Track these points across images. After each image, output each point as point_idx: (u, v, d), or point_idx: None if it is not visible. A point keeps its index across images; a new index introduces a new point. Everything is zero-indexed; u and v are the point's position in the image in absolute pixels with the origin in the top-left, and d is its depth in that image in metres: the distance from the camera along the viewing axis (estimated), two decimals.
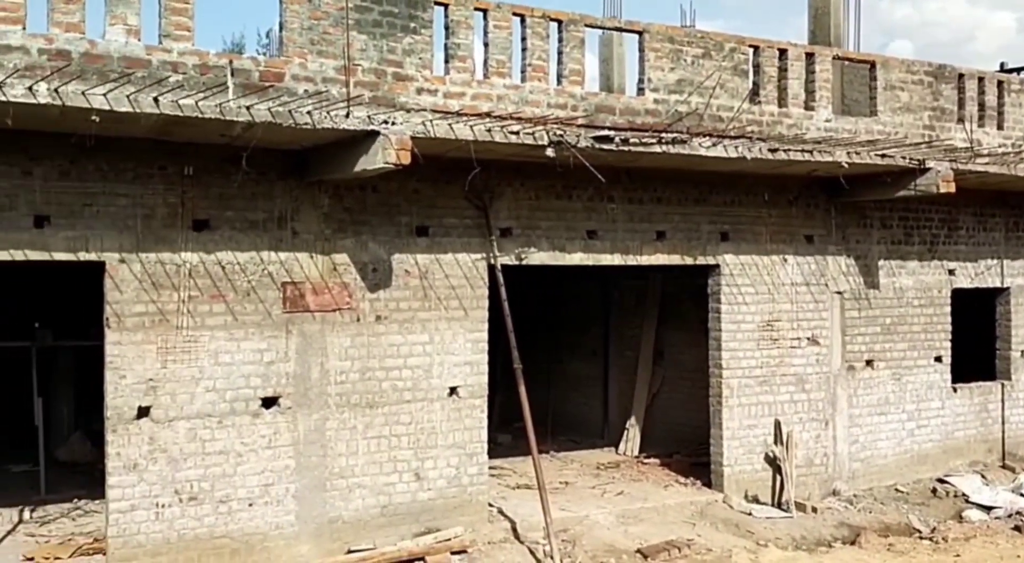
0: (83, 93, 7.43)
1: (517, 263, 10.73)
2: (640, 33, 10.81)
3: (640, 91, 10.94)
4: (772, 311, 12.19)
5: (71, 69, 7.46)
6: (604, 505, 11.40)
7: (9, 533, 9.55)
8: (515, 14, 9.96)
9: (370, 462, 9.72)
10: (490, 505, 10.64)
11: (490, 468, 10.67)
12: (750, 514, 11.43)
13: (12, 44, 7.35)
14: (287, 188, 9.50)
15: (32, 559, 8.75)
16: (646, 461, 13.90)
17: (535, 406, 10.44)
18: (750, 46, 11.58)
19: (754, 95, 11.68)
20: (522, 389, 10.29)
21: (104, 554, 8.60)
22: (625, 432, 14.69)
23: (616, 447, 14.73)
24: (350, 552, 9.38)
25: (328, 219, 9.70)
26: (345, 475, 9.58)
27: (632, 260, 11.44)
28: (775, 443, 12.08)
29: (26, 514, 10.15)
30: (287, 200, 9.49)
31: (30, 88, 7.25)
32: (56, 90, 7.33)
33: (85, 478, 11.65)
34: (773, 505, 11.90)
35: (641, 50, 10.86)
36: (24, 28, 7.44)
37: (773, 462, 12.07)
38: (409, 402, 9.97)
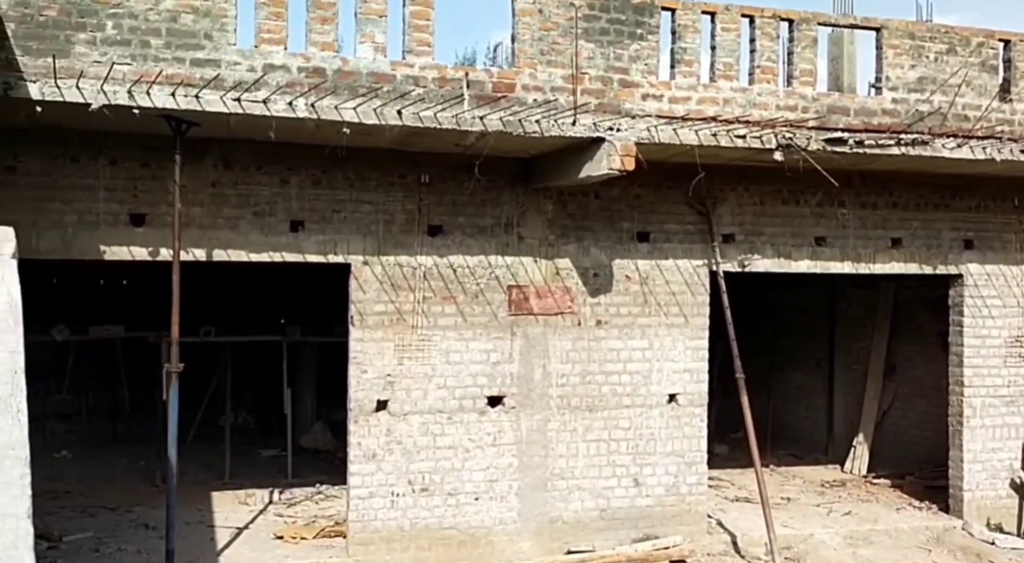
0: (336, 107, 8.03)
1: (740, 270, 10.50)
2: (877, 30, 10.28)
3: (877, 90, 10.40)
4: (1022, 325, 11.22)
5: (326, 85, 8.07)
6: (830, 525, 10.90)
7: (261, 512, 10.45)
8: (744, 15, 9.77)
9: (589, 465, 9.83)
10: (708, 516, 10.47)
11: (708, 478, 10.48)
12: (992, 543, 10.55)
13: (275, 63, 8.05)
14: (514, 194, 9.81)
15: (281, 537, 9.52)
16: (875, 481, 13.15)
17: (753, 417, 10.16)
18: (1000, 40, 10.72)
19: (1004, 93, 10.79)
20: (744, 399, 10.05)
21: (344, 537, 9.22)
22: (852, 449, 13.96)
23: (841, 464, 14.03)
24: (570, 553, 9.52)
25: (552, 224, 9.92)
26: (565, 476, 9.73)
27: (864, 269, 10.90)
28: (1023, 468, 11.10)
29: (275, 496, 11.05)
30: (514, 206, 9.80)
31: (290, 103, 7.93)
32: (312, 105, 7.97)
33: (326, 465, 12.53)
34: (1019, 535, 10.92)
35: (878, 47, 10.32)
36: (285, 48, 8.13)
37: (1020, 489, 11.09)
38: (628, 407, 9.99)
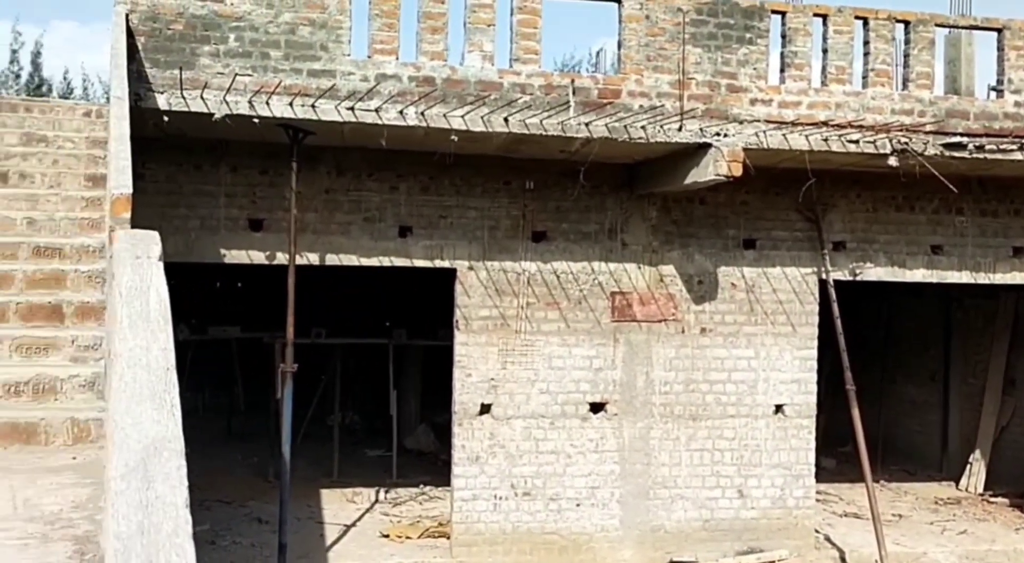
0: (444, 116, 8.20)
1: (851, 279, 10.22)
2: (999, 30, 9.86)
3: (998, 93, 9.98)
4: None
5: (435, 94, 8.23)
6: (944, 544, 10.47)
7: (368, 510, 10.70)
8: (857, 17, 9.51)
9: (692, 475, 9.71)
10: (816, 531, 10.20)
11: (815, 492, 10.22)
12: None
13: (387, 73, 8.26)
14: (618, 201, 9.79)
15: (387, 536, 9.73)
16: (992, 499, 12.57)
17: (863, 431, 9.85)
18: None
19: None
20: (855, 412, 9.77)
21: (448, 538, 9.37)
22: (968, 466, 13.37)
23: (956, 481, 13.45)
24: None
25: (656, 231, 9.86)
26: (668, 485, 9.65)
27: (983, 278, 10.45)
28: None
29: (381, 495, 11.30)
30: (617, 212, 9.78)
31: (401, 112, 8.13)
32: (422, 113, 8.16)
33: (429, 466, 12.74)
34: None
35: (1000, 49, 9.90)
36: (397, 58, 8.34)
37: None
38: (733, 417, 9.83)
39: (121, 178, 4.78)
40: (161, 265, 2.09)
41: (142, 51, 7.63)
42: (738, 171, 8.50)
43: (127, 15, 7.57)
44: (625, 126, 8.55)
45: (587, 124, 8.46)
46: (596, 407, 9.54)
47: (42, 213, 6.16)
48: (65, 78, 20.03)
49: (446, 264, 9.34)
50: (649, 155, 9.17)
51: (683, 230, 9.92)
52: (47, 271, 5.55)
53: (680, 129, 8.67)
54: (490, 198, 9.47)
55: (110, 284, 4.57)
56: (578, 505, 9.39)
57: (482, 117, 8.24)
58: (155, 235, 2.23)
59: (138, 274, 1.98)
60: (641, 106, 8.83)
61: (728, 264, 9.96)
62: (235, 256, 8.78)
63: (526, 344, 9.44)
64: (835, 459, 14.00)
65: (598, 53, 18.70)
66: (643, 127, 8.59)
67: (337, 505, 10.83)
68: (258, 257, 8.86)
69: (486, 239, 9.43)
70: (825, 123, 9.15)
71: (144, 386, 1.57)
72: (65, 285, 5.54)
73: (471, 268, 9.37)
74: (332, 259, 9.07)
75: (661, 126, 8.64)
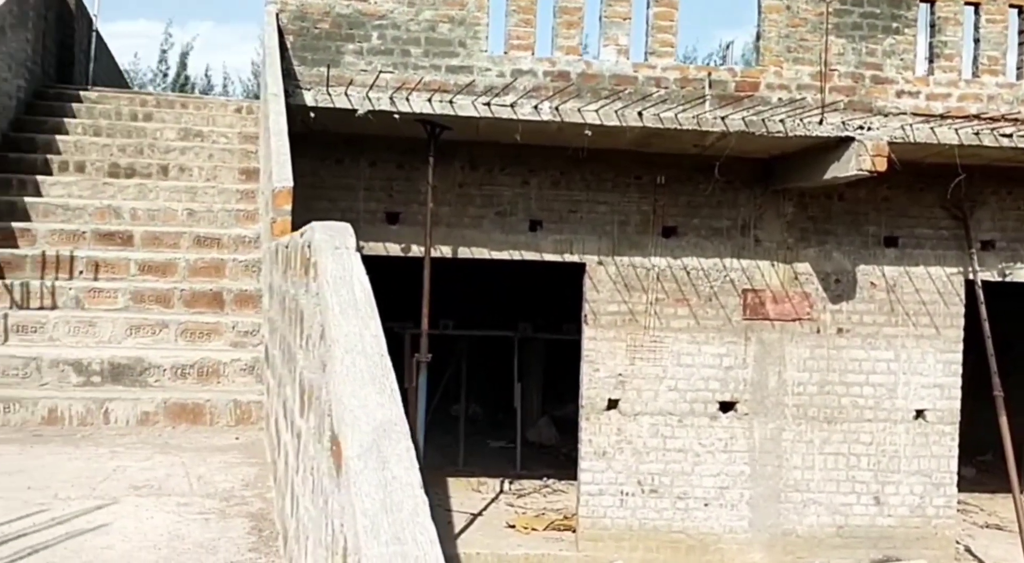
0: (579, 110, 8.20)
1: (1000, 280, 9.71)
2: None
3: None
4: None
5: (570, 88, 8.24)
6: None
7: (493, 500, 10.83)
8: (1012, 6, 9.01)
9: (826, 479, 9.44)
10: (956, 542, 9.75)
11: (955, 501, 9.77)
12: None
13: (523, 68, 8.32)
14: (751, 196, 9.59)
15: (513, 526, 9.83)
16: None
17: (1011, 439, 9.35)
18: None
19: None
20: (1003, 419, 9.28)
21: (573, 531, 9.39)
22: None
23: None
24: None
25: (791, 227, 9.61)
26: (800, 489, 9.40)
27: None
28: None
29: (505, 486, 11.42)
30: (751, 208, 9.58)
31: (535, 107, 8.17)
32: (556, 108, 8.18)
33: (551, 459, 12.79)
34: None
35: None
36: (533, 53, 8.38)
37: None
38: (870, 421, 9.50)
39: (282, 171, 4.99)
40: (359, 255, 2.17)
41: (291, 49, 7.91)
42: (882, 166, 8.20)
43: (277, 14, 7.86)
44: (763, 120, 8.36)
45: (723, 118, 8.32)
46: (726, 406, 9.38)
47: (201, 205, 6.48)
48: (206, 76, 21.03)
49: (575, 258, 9.35)
50: (786, 149, 8.94)
51: (820, 227, 9.64)
52: (207, 260, 5.84)
53: (821, 122, 8.42)
54: (620, 193, 9.43)
55: (270, 272, 4.77)
56: (706, 505, 9.26)
57: (616, 111, 8.21)
58: (349, 227, 2.32)
59: (340, 264, 2.06)
60: (780, 99, 8.60)
61: (867, 262, 9.61)
62: (372, 248, 9.02)
63: (655, 340, 9.35)
64: (975, 468, 13.31)
65: (728, 45, 18.37)
66: (782, 120, 8.39)
67: (463, 494, 11.00)
68: (394, 249, 9.08)
69: (616, 234, 9.39)
70: (976, 116, 8.73)
71: (363, 371, 1.64)
72: (224, 274, 5.82)
73: (600, 263, 9.35)
74: (464, 252, 9.21)
75: (801, 119, 8.41)
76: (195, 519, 3.23)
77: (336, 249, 2.14)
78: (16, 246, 5.75)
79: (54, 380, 4.72)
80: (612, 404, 9.26)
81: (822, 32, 8.72)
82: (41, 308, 5.25)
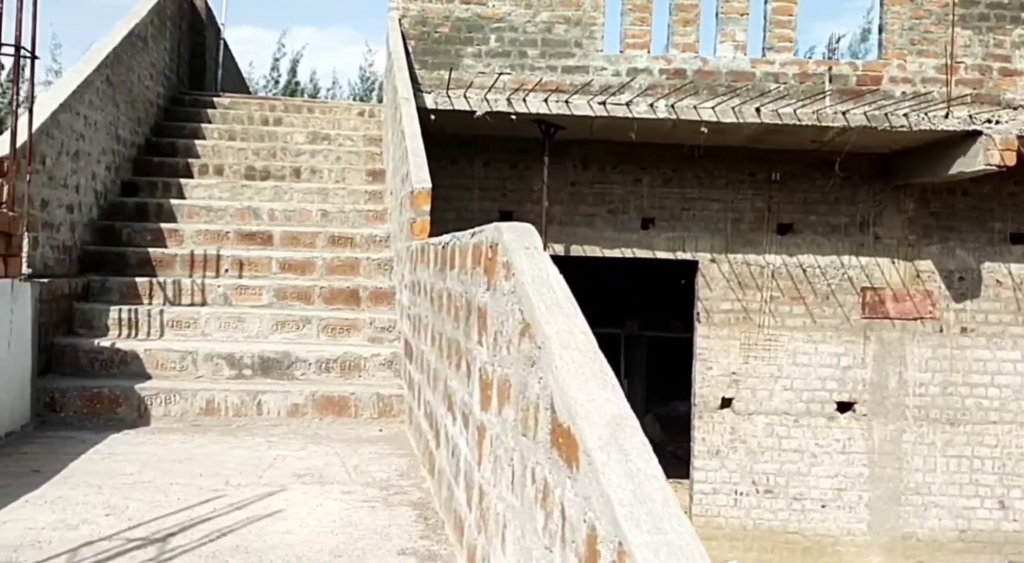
0: (695, 107, 8.18)
1: None
2: None
3: None
4: None
5: (686, 86, 8.23)
6: None
7: None
8: None
9: (948, 482, 9.18)
10: None
11: None
12: None
13: (639, 67, 8.34)
14: (870, 192, 9.39)
15: None
16: None
17: None
18: None
19: None
20: None
21: None
22: None
23: None
24: None
25: (912, 224, 9.37)
26: (920, 492, 9.17)
27: None
28: None
29: None
30: (869, 204, 9.38)
31: (651, 105, 8.18)
32: (672, 106, 8.18)
33: (656, 456, 12.74)
34: None
35: None
36: (649, 51, 8.39)
37: None
38: (995, 423, 9.19)
39: (420, 173, 5.15)
40: (547, 255, 2.26)
41: (412, 54, 8.11)
42: (1011, 160, 7.94)
43: (400, 19, 8.07)
44: (885, 114, 8.19)
45: (844, 113, 8.18)
46: (843, 406, 9.21)
47: (332, 205, 6.72)
48: (312, 80, 21.61)
49: (688, 256, 9.32)
50: (909, 144, 8.73)
51: (942, 223, 9.37)
52: (343, 259, 6.06)
53: (947, 116, 8.20)
54: (734, 190, 9.35)
55: (410, 270, 4.93)
56: (823, 506, 9.11)
57: (733, 108, 8.16)
58: (532, 228, 2.41)
59: (535, 263, 2.15)
60: (904, 93, 8.40)
61: (993, 260, 9.31)
62: None
63: (769, 339, 9.25)
64: None
65: (838, 39, 17.95)
66: (905, 115, 8.20)
67: None
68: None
69: (729, 231, 9.32)
70: None
71: (582, 366, 1.72)
72: (359, 271, 6.03)
73: (713, 260, 9.30)
74: (577, 250, 9.28)
75: (925, 113, 8.21)
76: (361, 506, 3.39)
77: (526, 249, 2.24)
78: (166, 246, 6.09)
79: (208, 373, 4.98)
80: (726, 403, 9.20)
81: (947, 24, 8.48)
82: (192, 304, 5.54)
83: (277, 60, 19.38)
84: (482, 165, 9.26)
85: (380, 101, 19.22)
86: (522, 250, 2.25)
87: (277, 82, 19.41)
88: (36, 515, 3.10)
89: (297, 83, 19.56)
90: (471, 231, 2.97)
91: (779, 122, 8.18)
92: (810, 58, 8.82)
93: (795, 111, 8.19)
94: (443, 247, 3.62)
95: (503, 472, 2.19)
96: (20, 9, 4.40)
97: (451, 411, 3.16)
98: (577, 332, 1.88)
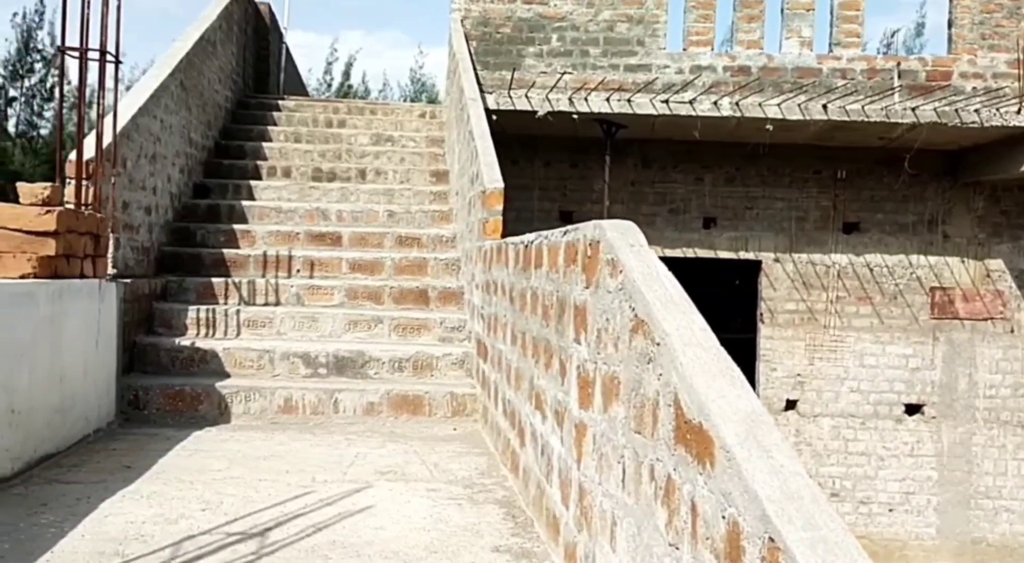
0: (760, 105, 8.09)
1: None
2: None
3: None
4: None
5: (750, 83, 8.14)
6: None
7: None
8: None
9: (1019, 486, 8.95)
10: None
11: None
12: None
13: (702, 64, 8.27)
14: (939, 190, 9.20)
15: None
16: None
17: None
18: None
19: None
20: None
21: None
22: None
23: None
24: None
25: (982, 222, 9.17)
26: (991, 495, 8.96)
27: None
28: None
29: None
30: (938, 202, 9.19)
31: (715, 103, 8.11)
32: (736, 104, 8.09)
33: None
34: None
35: None
36: (712, 49, 8.32)
37: None
38: None
39: (492, 173, 5.15)
40: (653, 253, 2.24)
41: (474, 55, 8.14)
42: None
43: (462, 21, 8.10)
44: (956, 110, 8.02)
45: (913, 109, 8.03)
46: (912, 409, 9.03)
47: (398, 206, 6.76)
48: (363, 82, 21.81)
49: (751, 256, 9.22)
50: (980, 140, 8.54)
51: (1013, 221, 9.16)
52: (411, 259, 6.09)
53: (1019, 112, 8.01)
54: (798, 188, 9.23)
55: (483, 269, 4.95)
56: (891, 510, 8.94)
57: (799, 105, 8.06)
58: (633, 225, 2.40)
59: (643, 261, 2.14)
60: (974, 88, 8.22)
61: None
62: None
63: (835, 340, 9.11)
64: None
65: (893, 33, 17.61)
66: (976, 111, 8.02)
67: None
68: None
69: (793, 230, 9.20)
70: None
71: (707, 363, 1.71)
72: (426, 271, 6.06)
73: (777, 260, 9.19)
74: None
75: (997, 109, 8.02)
76: (448, 504, 3.40)
77: (631, 246, 2.23)
78: (239, 246, 6.17)
79: (285, 371, 5.04)
80: (790, 405, 9.07)
81: (1019, 17, 8.28)
82: (266, 304, 5.61)
83: (330, 63, 19.62)
84: (542, 165, 9.26)
85: (432, 102, 19.38)
86: (627, 247, 2.23)
87: (330, 85, 19.63)
88: (135, 509, 3.16)
89: (350, 86, 19.76)
90: (561, 229, 2.97)
91: (847, 119, 8.07)
92: (882, 53, 8.63)
93: (863, 108, 8.06)
94: (525, 246, 3.62)
95: (610, 470, 2.17)
96: (105, 14, 4.50)
97: (539, 409, 3.15)
98: (696, 329, 1.86)
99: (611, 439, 2.18)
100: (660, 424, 1.81)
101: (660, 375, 1.82)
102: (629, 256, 2.18)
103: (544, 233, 3.32)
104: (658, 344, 1.85)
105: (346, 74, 19.74)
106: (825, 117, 8.05)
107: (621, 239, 2.27)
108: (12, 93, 15.62)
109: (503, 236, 5.05)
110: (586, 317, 2.50)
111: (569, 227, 2.88)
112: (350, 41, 41.30)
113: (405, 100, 19.68)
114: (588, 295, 2.50)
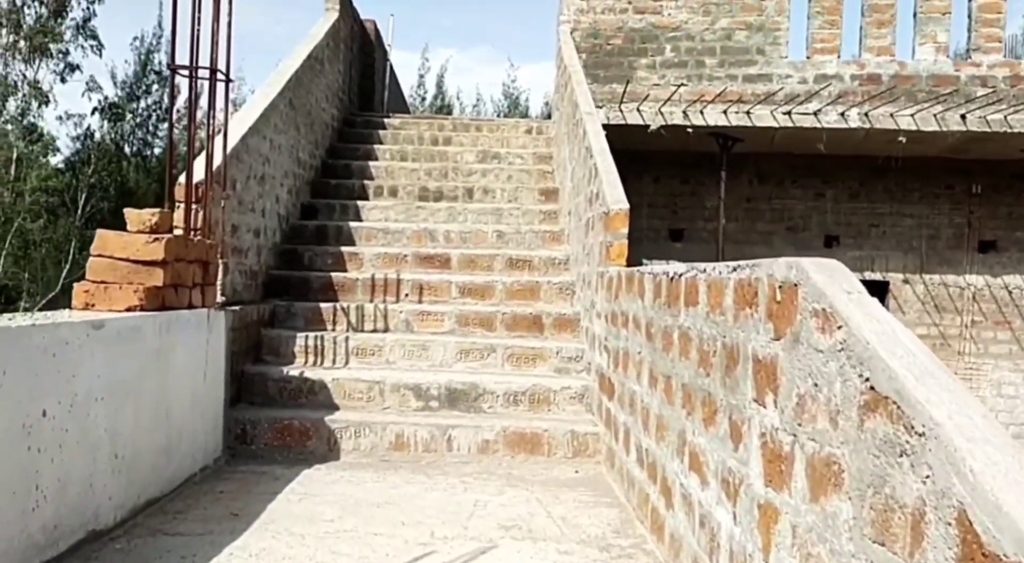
0: (891, 115, 7.51)
1: None
2: None
3: None
4: None
5: (881, 92, 7.57)
6: None
7: None
8: None
9: None
10: None
11: None
12: None
13: (828, 73, 7.74)
14: None
15: None
16: None
17: None
18: None
19: None
20: None
21: None
22: None
23: None
24: None
25: None
26: None
27: None
28: None
29: None
30: None
31: (842, 114, 7.57)
32: (866, 114, 7.54)
33: None
34: None
35: None
36: (838, 56, 7.78)
37: None
38: None
39: (615, 192, 4.79)
40: (873, 301, 1.83)
41: (584, 67, 7.79)
42: None
43: (571, 32, 7.77)
44: None
45: None
46: None
47: (507, 226, 6.45)
48: (458, 98, 21.72)
49: (877, 276, 8.61)
50: None
51: None
52: (523, 283, 5.76)
53: None
54: (929, 204, 8.59)
55: (605, 298, 4.57)
56: None
57: (935, 115, 7.45)
58: (841, 265, 1.99)
59: (871, 316, 1.75)
60: None
61: None
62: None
63: (970, 367, 8.42)
64: None
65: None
66: None
67: None
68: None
69: (924, 249, 8.56)
70: None
71: (1010, 471, 1.30)
72: (539, 296, 5.72)
73: (906, 281, 8.55)
74: None
75: None
76: None
77: (849, 294, 1.84)
78: (346, 270, 5.95)
79: (395, 404, 4.76)
80: None
81: None
82: (375, 331, 5.36)
83: (422, 76, 19.57)
84: (651, 181, 8.84)
85: (525, 116, 19.10)
86: (844, 295, 1.83)
87: (424, 98, 19.58)
88: None
89: (444, 101, 19.67)
90: (725, 264, 2.57)
91: (988, 130, 7.43)
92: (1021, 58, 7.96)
93: (1006, 117, 7.41)
94: (670, 278, 3.24)
95: (866, 553, 1.77)
96: (215, 32, 4.31)
97: (696, 471, 2.76)
98: (976, 416, 1.45)
99: (828, 541, 1.78)
100: (929, 545, 1.41)
101: (928, 478, 1.42)
102: (851, 307, 1.78)
103: (697, 265, 2.94)
104: (921, 435, 1.45)
105: (439, 88, 19.66)
106: (964, 128, 7.44)
107: (833, 284, 1.88)
108: (129, 114, 16.01)
109: (628, 261, 4.67)
110: (776, 376, 2.11)
111: (740, 262, 2.49)
112: (441, 57, 41.61)
113: (499, 115, 19.47)
114: (779, 349, 2.10)
